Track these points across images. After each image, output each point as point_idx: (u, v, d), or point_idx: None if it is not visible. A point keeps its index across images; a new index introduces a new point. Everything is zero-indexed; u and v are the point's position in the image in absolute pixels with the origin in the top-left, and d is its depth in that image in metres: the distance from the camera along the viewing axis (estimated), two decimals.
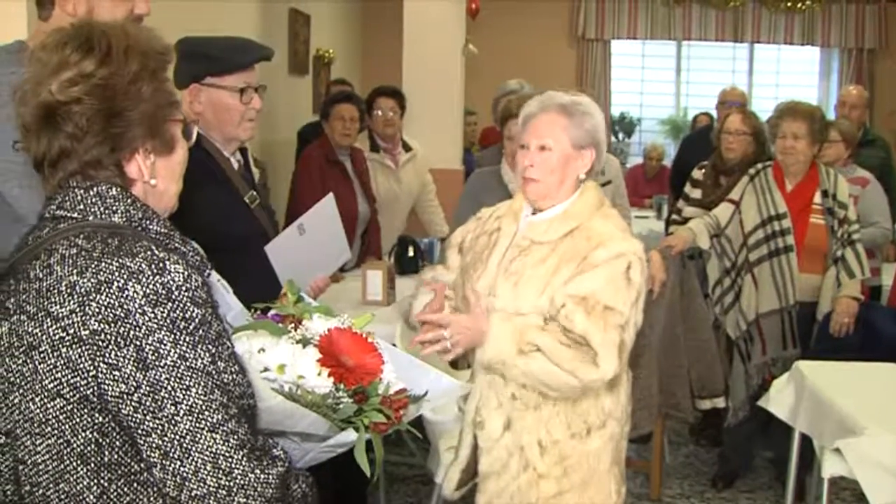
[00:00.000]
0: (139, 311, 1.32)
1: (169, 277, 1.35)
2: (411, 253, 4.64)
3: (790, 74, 10.89)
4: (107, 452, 1.35)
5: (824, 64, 10.86)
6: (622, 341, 2.29)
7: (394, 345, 2.98)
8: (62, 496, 1.36)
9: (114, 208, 1.43)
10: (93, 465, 1.35)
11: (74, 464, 1.35)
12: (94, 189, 1.43)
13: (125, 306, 1.32)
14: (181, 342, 1.33)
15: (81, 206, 1.42)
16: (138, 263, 1.34)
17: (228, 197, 2.67)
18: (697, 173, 4.87)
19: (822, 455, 3.01)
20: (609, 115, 10.58)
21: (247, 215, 2.70)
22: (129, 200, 1.44)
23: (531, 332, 2.28)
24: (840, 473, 2.89)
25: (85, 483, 1.36)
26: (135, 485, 1.37)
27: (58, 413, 1.34)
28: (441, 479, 3.17)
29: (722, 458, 4.55)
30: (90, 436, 1.35)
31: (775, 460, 4.42)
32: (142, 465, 1.36)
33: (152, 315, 1.32)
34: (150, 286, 1.33)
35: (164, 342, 1.32)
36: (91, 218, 1.42)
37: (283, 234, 2.73)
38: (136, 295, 1.32)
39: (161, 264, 1.35)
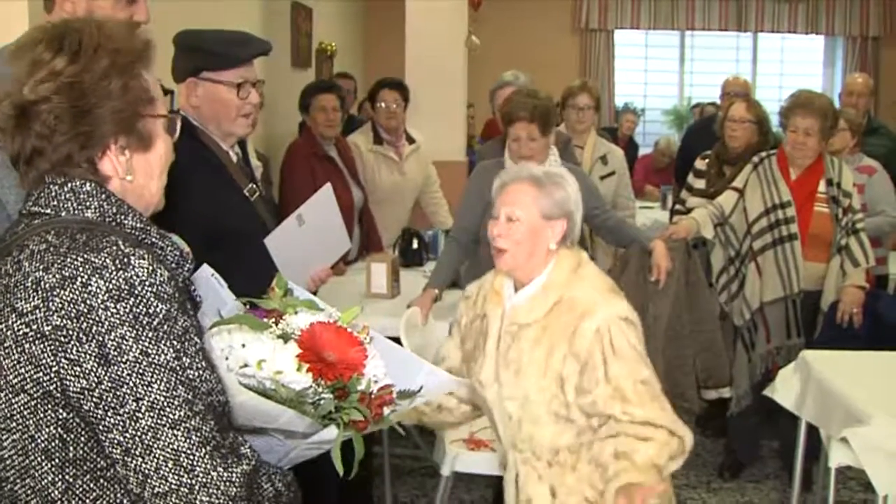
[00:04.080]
0: (102, 306, 1.31)
1: (132, 273, 1.33)
2: (415, 245, 4.63)
3: (794, 63, 10.88)
4: (71, 448, 1.35)
5: (828, 52, 10.84)
6: (658, 392, 2.32)
7: (398, 338, 2.98)
8: (28, 491, 1.36)
9: (87, 204, 1.42)
10: (57, 460, 1.35)
11: (39, 459, 1.35)
12: (69, 185, 1.42)
13: (88, 302, 1.31)
14: (143, 338, 1.32)
15: (55, 203, 1.41)
16: (102, 259, 1.33)
17: (227, 190, 2.65)
18: (701, 163, 4.85)
19: (828, 444, 3.01)
20: (613, 106, 10.58)
21: (246, 208, 2.69)
22: (103, 196, 1.43)
23: (605, 451, 2.29)
24: (847, 463, 2.88)
25: (50, 478, 1.35)
26: (101, 481, 1.36)
27: (22, 408, 1.34)
28: (447, 472, 3.17)
29: (728, 448, 4.54)
30: (54, 431, 1.34)
31: (782, 450, 4.41)
32: (107, 461, 1.35)
33: (115, 310, 1.31)
34: (113, 281, 1.32)
35: (126, 338, 1.31)
36: (64, 214, 1.41)
37: (281, 226, 2.71)
38: (98, 290, 1.31)
39: (125, 259, 1.34)
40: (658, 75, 11.15)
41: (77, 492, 1.36)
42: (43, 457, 1.35)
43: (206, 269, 1.63)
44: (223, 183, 2.65)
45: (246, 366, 1.48)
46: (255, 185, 2.74)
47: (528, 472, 2.44)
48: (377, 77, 5.36)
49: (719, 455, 4.62)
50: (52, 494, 1.36)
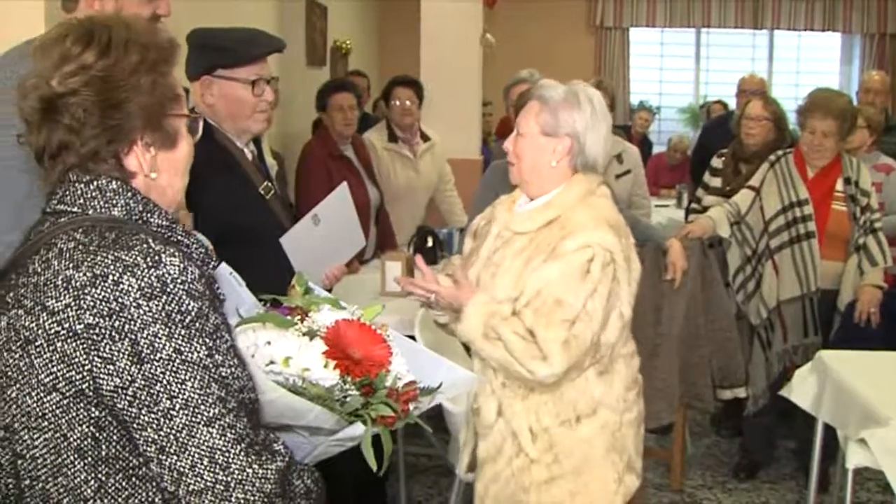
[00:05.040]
0: (134, 304, 1.31)
1: (164, 270, 1.33)
2: (430, 243, 4.62)
3: (811, 61, 10.81)
4: (104, 447, 1.35)
5: (845, 50, 10.77)
6: (571, 336, 2.30)
7: (412, 336, 2.98)
8: (61, 490, 1.36)
9: (114, 202, 1.42)
10: (90, 459, 1.35)
11: (72, 458, 1.35)
12: (95, 183, 1.42)
13: (120, 300, 1.31)
14: (176, 335, 1.32)
15: (81, 201, 1.41)
16: (133, 256, 1.33)
17: (242, 188, 2.66)
18: (717, 161, 4.83)
19: (846, 445, 2.98)
20: (628, 104, 10.54)
21: (261, 206, 2.69)
22: (129, 194, 1.43)
23: (496, 319, 2.35)
24: (864, 464, 2.85)
25: (82, 477, 1.35)
26: (133, 479, 1.36)
27: (54, 407, 1.33)
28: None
29: (744, 449, 4.52)
30: (87, 430, 1.34)
31: (798, 450, 4.38)
32: (140, 459, 1.35)
33: (147, 308, 1.31)
34: (145, 279, 1.32)
35: (159, 335, 1.31)
36: (91, 212, 1.41)
37: (297, 226, 2.72)
38: (130, 288, 1.31)
39: (157, 257, 1.34)
40: (674, 73, 11.11)
41: (110, 490, 1.36)
42: (76, 455, 1.35)
43: (224, 268, 1.63)
44: (238, 181, 2.65)
45: (272, 363, 1.48)
46: (269, 184, 2.74)
47: (484, 383, 2.50)
48: (392, 75, 5.35)
49: (735, 455, 4.60)
50: (85, 493, 1.35)
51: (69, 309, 1.31)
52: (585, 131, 2.45)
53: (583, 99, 2.46)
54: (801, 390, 3.38)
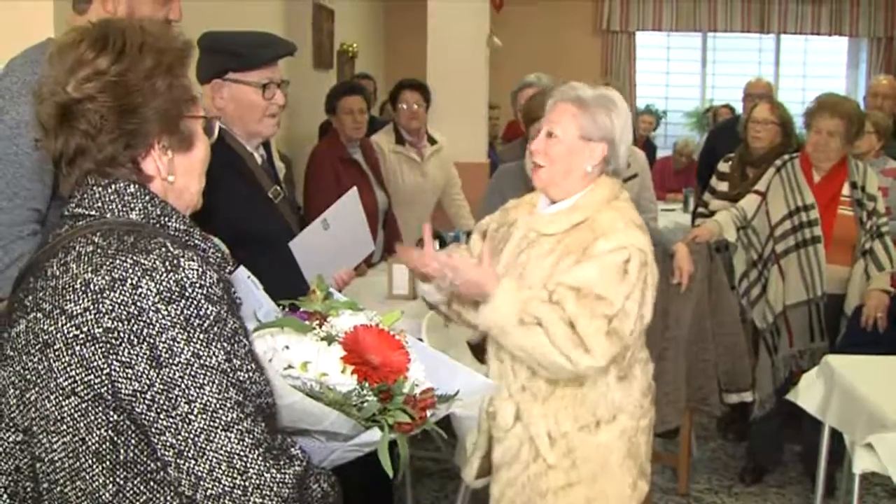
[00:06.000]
0: (152, 308, 1.31)
1: (183, 274, 1.34)
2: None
3: (817, 65, 10.80)
4: (122, 451, 1.35)
5: (852, 54, 10.75)
6: (612, 330, 2.27)
7: (420, 339, 2.98)
8: (79, 494, 1.36)
9: (132, 205, 1.42)
10: (108, 463, 1.35)
11: (90, 462, 1.35)
12: (113, 186, 1.43)
13: (139, 304, 1.31)
14: (195, 340, 1.32)
15: (99, 204, 1.42)
16: (152, 260, 1.33)
17: (251, 192, 2.66)
18: (724, 166, 4.83)
19: (852, 450, 2.98)
20: (634, 108, 10.53)
21: (270, 210, 2.69)
22: (147, 197, 1.44)
23: (535, 303, 2.28)
24: (871, 469, 2.85)
25: (101, 481, 1.35)
26: (151, 483, 1.36)
27: (72, 411, 1.34)
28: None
29: (750, 453, 4.51)
30: (105, 434, 1.34)
31: (804, 454, 4.38)
32: (158, 463, 1.35)
33: (166, 312, 1.31)
34: (164, 283, 1.32)
35: (178, 340, 1.31)
36: (109, 215, 1.41)
37: (307, 230, 2.72)
38: (149, 292, 1.32)
39: (175, 261, 1.34)
40: (680, 77, 11.10)
41: (128, 494, 1.36)
42: (94, 459, 1.35)
43: (242, 272, 1.64)
44: (247, 185, 2.66)
45: (290, 367, 1.49)
46: (278, 188, 2.75)
47: (501, 387, 2.46)
48: (398, 78, 5.36)
49: (741, 459, 4.60)
50: (103, 497, 1.36)
51: (88, 312, 1.32)
52: (620, 138, 2.45)
53: (618, 104, 2.45)
54: (808, 394, 3.37)
